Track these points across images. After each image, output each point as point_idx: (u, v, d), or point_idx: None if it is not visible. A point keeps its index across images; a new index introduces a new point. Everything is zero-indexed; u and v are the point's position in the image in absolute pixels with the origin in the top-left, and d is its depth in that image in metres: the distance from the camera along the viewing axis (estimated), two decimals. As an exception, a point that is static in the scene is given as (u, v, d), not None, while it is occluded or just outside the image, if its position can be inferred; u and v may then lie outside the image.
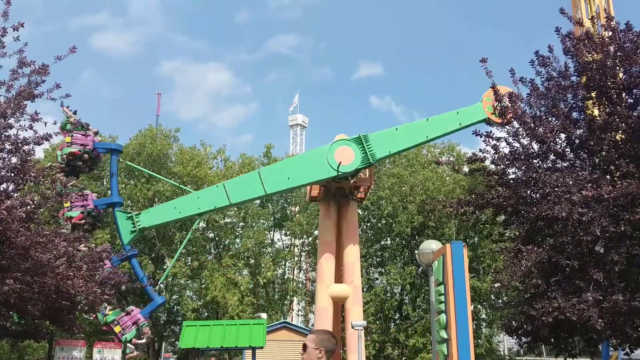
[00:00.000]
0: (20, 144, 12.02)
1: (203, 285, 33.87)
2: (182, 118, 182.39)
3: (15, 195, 11.90)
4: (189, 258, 35.34)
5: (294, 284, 39.80)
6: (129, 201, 34.38)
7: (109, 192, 33.87)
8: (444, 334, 7.87)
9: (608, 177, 14.09)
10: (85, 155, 20.34)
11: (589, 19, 17.11)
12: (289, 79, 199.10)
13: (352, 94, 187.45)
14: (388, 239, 37.12)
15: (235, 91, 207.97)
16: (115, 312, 19.11)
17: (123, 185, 34.00)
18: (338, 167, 20.86)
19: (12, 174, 12.01)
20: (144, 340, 19.75)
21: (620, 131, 13.92)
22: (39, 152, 36.21)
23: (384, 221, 36.39)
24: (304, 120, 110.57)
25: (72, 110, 21.12)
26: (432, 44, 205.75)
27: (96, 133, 21.43)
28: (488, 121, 18.41)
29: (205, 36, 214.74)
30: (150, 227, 22.22)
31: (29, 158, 12.10)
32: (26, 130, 11.97)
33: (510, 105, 15.46)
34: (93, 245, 14.62)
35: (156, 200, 34.27)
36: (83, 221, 19.39)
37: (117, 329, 18.62)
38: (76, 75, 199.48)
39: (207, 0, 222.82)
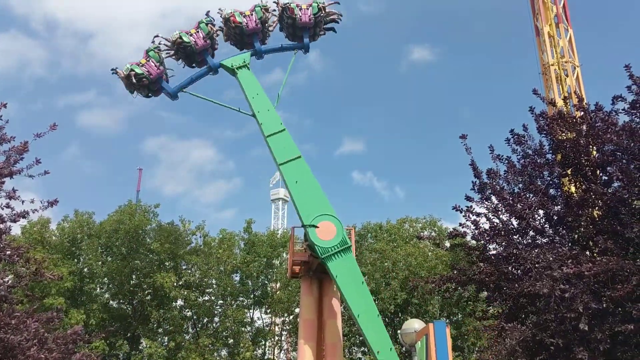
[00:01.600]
0: (-4, 222, 11.83)
1: (180, 367, 32.70)
2: (164, 194, 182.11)
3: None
4: (166, 338, 34.27)
5: (275, 365, 38.59)
6: (106, 278, 33.62)
7: (85, 269, 33.19)
8: (429, 419, 7.61)
9: (587, 253, 14.19)
10: (190, 50, 22.84)
11: (562, 99, 17.75)
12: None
13: (334, 169, 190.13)
14: (371, 316, 36.48)
15: (219, 167, 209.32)
16: (155, 56, 22.54)
17: (100, 262, 33.35)
18: (308, 225, 20.48)
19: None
20: (134, 82, 22.31)
21: (596, 207, 14.16)
22: (16, 229, 35.65)
23: (366, 298, 35.88)
24: (286, 195, 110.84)
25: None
26: (414, 122, 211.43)
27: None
28: None
29: (190, 113, 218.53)
30: (237, 79, 23.20)
31: (3, 236, 11.88)
32: (2, 209, 11.80)
33: (489, 181, 15.70)
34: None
35: (133, 277, 33.57)
36: (135, 80, 22.13)
37: (142, 60, 22.07)
38: (59, 152, 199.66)
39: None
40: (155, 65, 22.55)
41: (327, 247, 20.23)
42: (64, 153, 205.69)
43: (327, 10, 23.75)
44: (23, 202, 12.18)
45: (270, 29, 24.01)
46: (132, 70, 22.14)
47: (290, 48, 24.34)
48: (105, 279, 33.58)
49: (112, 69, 22.82)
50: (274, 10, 23.79)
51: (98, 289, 34.11)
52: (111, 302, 34.48)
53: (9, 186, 12.05)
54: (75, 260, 33.33)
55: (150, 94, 23.45)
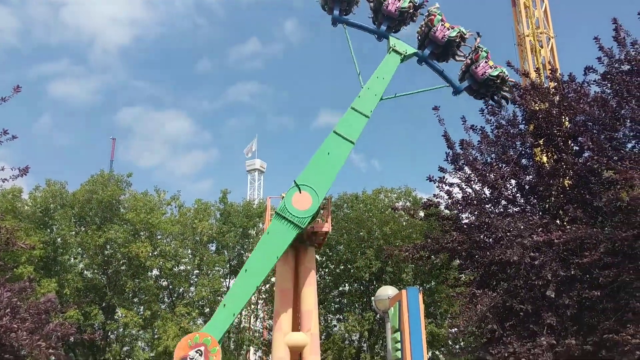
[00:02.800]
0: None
1: (156, 336, 32.80)
2: (140, 166, 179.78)
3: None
4: (141, 307, 34.26)
5: (250, 333, 38.94)
6: (80, 248, 33.34)
7: (59, 239, 32.88)
8: (400, 383, 7.77)
9: (558, 221, 14.49)
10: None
11: (535, 70, 17.85)
12: (249, 126, 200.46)
13: (311, 141, 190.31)
14: (346, 284, 36.92)
15: (194, 138, 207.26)
16: None
17: (73, 232, 33.00)
18: (298, 184, 20.35)
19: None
20: None
21: (567, 177, 14.41)
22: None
23: (342, 267, 36.24)
24: (262, 165, 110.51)
25: None
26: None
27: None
28: None
29: (165, 84, 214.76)
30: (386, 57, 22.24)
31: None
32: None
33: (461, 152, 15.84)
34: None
35: (108, 247, 33.27)
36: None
37: None
38: (31, 123, 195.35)
39: (169, 49, 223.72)
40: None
41: (288, 209, 20.20)
42: (35, 124, 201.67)
43: (506, 84, 21.94)
44: (-6, 169, 11.93)
45: (465, 59, 22.49)
46: None
47: (447, 80, 22.89)
48: (79, 249, 33.27)
49: None
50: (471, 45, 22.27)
51: (72, 259, 33.81)
52: (85, 272, 34.24)
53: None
54: (48, 230, 32.90)
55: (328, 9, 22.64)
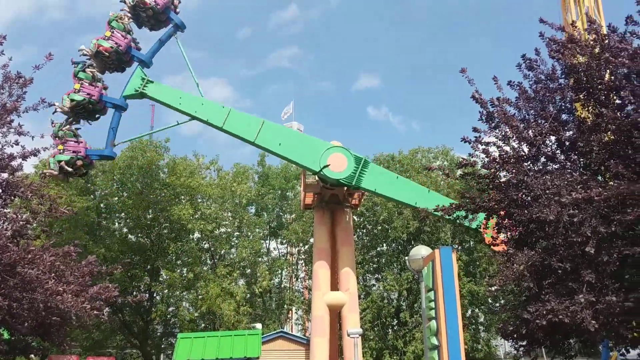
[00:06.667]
0: (7, 159, 11.95)
1: (199, 297, 33.71)
2: (181, 133, 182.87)
3: (5, 211, 11.84)
4: (185, 269, 35.17)
5: (291, 293, 39.64)
6: (123, 213, 34.15)
7: (102, 204, 33.81)
8: (434, 341, 7.81)
9: (599, 178, 14.09)
10: (90, 106, 21.19)
11: (571, 24, 17.22)
12: (289, 91, 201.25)
13: (349, 104, 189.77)
14: (384, 244, 37.01)
15: (235, 105, 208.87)
16: (69, 133, 20.36)
17: (116, 198, 33.75)
18: (322, 167, 20.97)
19: (0, 190, 11.95)
20: (70, 170, 20.57)
21: (609, 132, 13.92)
22: (28, 168, 36.05)
23: (380, 227, 36.29)
24: (299, 128, 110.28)
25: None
26: (428, 56, 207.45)
27: (105, 88, 22.31)
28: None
29: (205, 50, 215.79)
30: (150, 97, 22.83)
31: (16, 173, 12.05)
32: (12, 147, 11.89)
33: (498, 109, 15.45)
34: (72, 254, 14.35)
35: (150, 211, 34.01)
36: (70, 167, 20.51)
37: (60, 147, 19.91)
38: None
39: (209, 16, 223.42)
40: (123, 36, 22.16)
41: (346, 178, 21.26)
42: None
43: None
44: (33, 137, 12.22)
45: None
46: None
47: (116, 122, 23.02)
48: (122, 213, 34.11)
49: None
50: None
51: (116, 223, 34.73)
52: (130, 236, 35.17)
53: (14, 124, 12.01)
54: (92, 196, 33.77)
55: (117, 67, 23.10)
